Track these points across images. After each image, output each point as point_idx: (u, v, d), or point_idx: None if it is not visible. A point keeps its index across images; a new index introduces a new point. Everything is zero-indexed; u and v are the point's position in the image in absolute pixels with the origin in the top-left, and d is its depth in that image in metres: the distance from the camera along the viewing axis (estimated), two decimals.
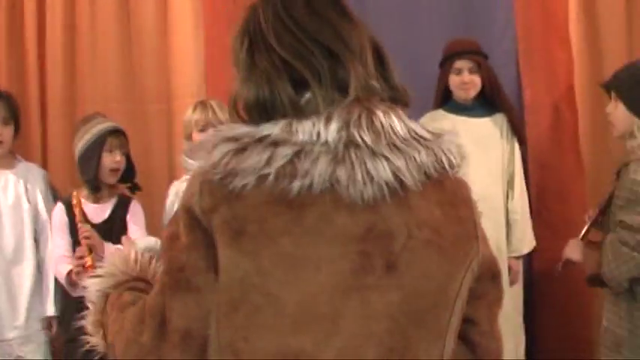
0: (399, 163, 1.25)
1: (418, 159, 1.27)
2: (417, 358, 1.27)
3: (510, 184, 3.68)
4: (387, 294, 1.24)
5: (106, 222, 3.40)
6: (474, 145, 3.51)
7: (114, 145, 3.39)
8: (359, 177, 1.22)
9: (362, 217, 1.24)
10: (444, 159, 1.31)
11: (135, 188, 3.56)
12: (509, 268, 3.63)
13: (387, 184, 1.24)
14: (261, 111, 1.30)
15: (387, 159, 1.24)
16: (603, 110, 3.90)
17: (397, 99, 1.37)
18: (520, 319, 3.70)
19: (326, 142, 1.24)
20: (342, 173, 1.22)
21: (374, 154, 1.24)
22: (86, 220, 3.27)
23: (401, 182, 1.25)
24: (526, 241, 3.69)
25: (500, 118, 3.68)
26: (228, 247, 1.24)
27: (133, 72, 4.13)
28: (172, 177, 4.12)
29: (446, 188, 1.32)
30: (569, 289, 3.90)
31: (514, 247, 3.65)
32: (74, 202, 3.27)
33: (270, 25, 1.36)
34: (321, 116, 1.26)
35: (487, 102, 3.68)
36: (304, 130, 1.25)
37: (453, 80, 3.64)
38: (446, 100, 3.73)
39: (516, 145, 3.69)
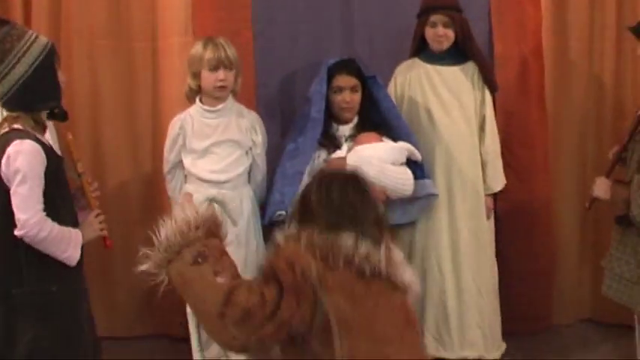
0: None
1: None
2: None
3: (482, 127, 3.93)
4: None
5: None
6: (448, 91, 3.88)
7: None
8: None
9: None
10: None
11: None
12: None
13: None
14: None
15: None
16: (567, 62, 4.27)
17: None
18: (494, 251, 4.02)
19: None
20: None
21: None
22: None
23: None
24: (498, 180, 3.96)
25: (471, 66, 3.91)
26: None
27: (119, 10, 4.22)
28: (156, 115, 4.29)
29: None
30: (530, 227, 4.24)
31: (487, 185, 3.92)
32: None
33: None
34: None
35: (459, 51, 3.91)
36: None
37: (428, 33, 3.87)
38: (421, 50, 3.96)
39: (487, 92, 3.93)
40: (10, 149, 2.63)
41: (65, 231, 2.72)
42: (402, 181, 3.58)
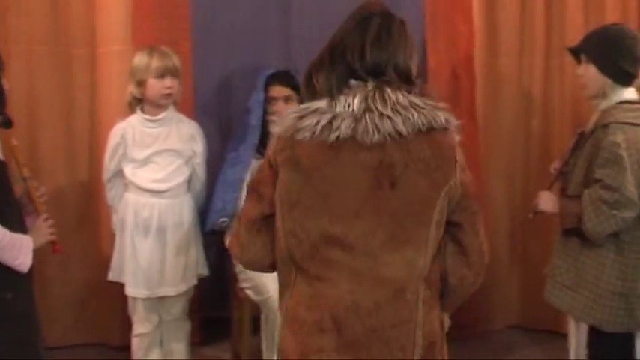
0: (398, 120, 1.94)
1: (412, 119, 1.95)
2: (409, 238, 1.99)
3: None
4: (391, 201, 1.97)
5: None
6: None
7: None
8: (369, 130, 1.94)
9: (375, 155, 1.96)
10: (432, 120, 1.98)
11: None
12: None
13: (389, 134, 1.94)
14: (323, 92, 2.04)
15: (389, 118, 1.94)
16: (496, 78, 4.44)
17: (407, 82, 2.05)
18: None
19: (352, 110, 1.97)
20: (359, 128, 1.94)
21: (381, 115, 1.95)
22: None
23: (399, 133, 1.94)
24: None
25: None
26: (289, 172, 2.01)
27: (58, 15, 4.20)
28: (94, 122, 4.29)
29: (434, 138, 2.00)
30: None
31: None
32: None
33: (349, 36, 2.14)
34: (351, 93, 2.00)
35: None
36: (340, 103, 1.98)
37: None
38: None
39: None
40: None
41: (16, 238, 2.71)
42: None
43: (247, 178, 3.65)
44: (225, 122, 4.25)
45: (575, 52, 3.26)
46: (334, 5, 4.25)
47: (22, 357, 2.76)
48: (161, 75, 3.55)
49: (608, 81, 3.12)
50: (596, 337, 3.17)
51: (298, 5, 4.36)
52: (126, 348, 3.75)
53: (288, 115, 2.04)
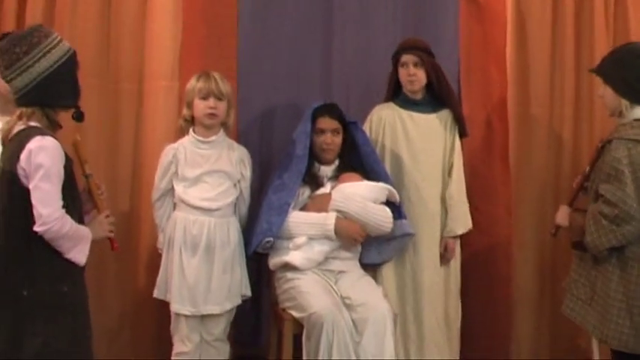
0: None
1: None
2: None
3: (449, 173, 4.22)
4: None
5: None
6: (420, 138, 4.21)
7: None
8: None
9: None
10: None
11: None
12: (446, 247, 4.17)
13: None
14: None
15: None
16: (528, 125, 4.68)
17: None
18: (459, 293, 4.28)
19: None
20: None
21: None
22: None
23: None
24: (460, 222, 4.20)
25: (445, 113, 4.23)
26: None
27: (109, 50, 4.45)
28: (137, 154, 4.48)
29: None
30: (490, 279, 4.55)
31: (449, 227, 4.18)
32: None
33: None
34: None
35: (434, 98, 4.22)
36: None
37: (401, 74, 4.17)
38: (397, 94, 4.27)
39: (457, 139, 4.26)
40: (32, 145, 2.76)
41: (80, 229, 2.87)
42: (382, 218, 3.86)
43: (293, 202, 3.84)
44: (266, 154, 4.44)
45: (598, 72, 3.51)
46: (374, 43, 4.58)
47: (74, 349, 2.87)
48: (205, 96, 3.81)
49: (624, 101, 3.37)
50: (614, 356, 3.32)
51: (339, 46, 4.59)
52: None
53: None
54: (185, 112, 3.89)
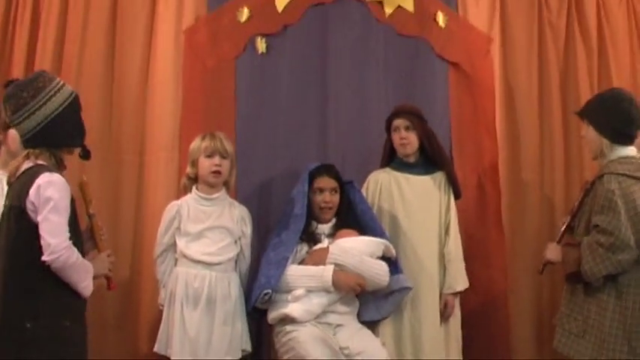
0: None
1: None
2: None
3: (447, 231, 4.34)
4: None
5: None
6: (417, 199, 4.34)
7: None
8: None
9: None
10: None
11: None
12: (446, 304, 4.24)
13: None
14: None
15: None
16: (519, 189, 4.82)
17: None
18: (460, 349, 4.32)
19: None
20: None
21: None
22: None
23: None
24: (460, 280, 4.30)
25: (439, 175, 4.38)
26: None
27: (111, 122, 4.67)
28: (138, 224, 4.62)
29: None
30: (489, 335, 4.63)
31: (448, 284, 4.27)
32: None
33: None
34: None
35: (427, 161, 4.37)
36: None
37: (394, 138, 4.33)
38: (392, 159, 4.42)
39: (452, 198, 4.39)
40: (40, 180, 2.92)
41: (85, 262, 3.00)
42: (379, 271, 3.95)
43: (291, 258, 3.95)
44: (264, 218, 4.53)
45: (582, 115, 3.72)
46: (368, 111, 4.77)
47: None
48: (210, 154, 3.98)
49: (606, 141, 3.57)
50: None
51: (334, 114, 4.78)
52: None
53: None
54: (189, 170, 4.05)
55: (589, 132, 3.67)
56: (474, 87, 4.91)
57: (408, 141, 4.29)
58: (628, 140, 3.58)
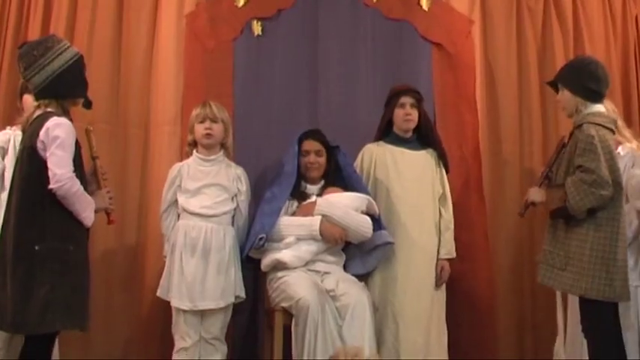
0: None
1: None
2: None
3: (442, 202, 4.77)
4: None
5: None
6: (411, 172, 4.78)
7: None
8: None
9: None
10: None
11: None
12: (442, 269, 4.65)
13: None
14: None
15: None
16: (501, 161, 5.25)
17: None
18: (444, 317, 4.70)
19: None
20: None
21: None
22: None
23: None
24: (454, 246, 4.74)
25: (431, 151, 4.81)
26: None
27: (118, 99, 5.16)
28: (143, 192, 5.09)
29: None
30: (473, 301, 5.06)
31: (446, 250, 4.69)
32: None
33: None
34: None
35: (421, 139, 4.81)
36: None
37: (398, 113, 4.74)
38: (387, 134, 4.84)
39: (444, 172, 4.83)
40: (50, 123, 3.46)
41: (86, 194, 3.52)
42: (362, 223, 4.43)
43: (284, 208, 4.44)
44: (259, 178, 4.98)
45: (554, 85, 4.18)
46: (357, 90, 5.27)
47: (77, 300, 3.47)
48: (202, 120, 4.52)
49: (580, 99, 4.03)
50: (585, 307, 3.87)
51: (325, 93, 5.30)
52: None
53: None
54: (189, 137, 4.60)
55: (564, 94, 4.10)
56: (456, 66, 5.39)
57: (412, 117, 4.72)
58: (598, 98, 4.02)
